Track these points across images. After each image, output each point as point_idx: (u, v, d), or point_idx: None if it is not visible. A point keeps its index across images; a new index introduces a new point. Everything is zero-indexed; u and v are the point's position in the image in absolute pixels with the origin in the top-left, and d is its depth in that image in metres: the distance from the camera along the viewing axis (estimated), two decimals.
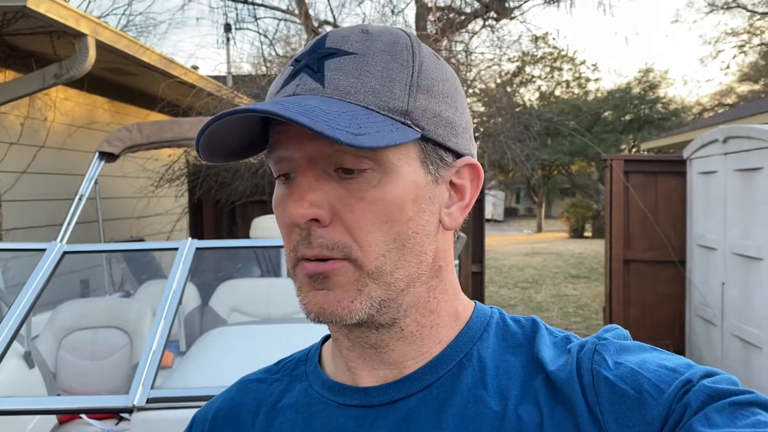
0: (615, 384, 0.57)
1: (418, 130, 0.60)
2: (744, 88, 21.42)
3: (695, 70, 60.54)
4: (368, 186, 0.58)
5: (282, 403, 0.69)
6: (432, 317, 0.65)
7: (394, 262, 0.60)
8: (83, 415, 2.84)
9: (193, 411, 0.78)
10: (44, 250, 2.52)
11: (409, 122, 0.60)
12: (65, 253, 2.50)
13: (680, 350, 6.03)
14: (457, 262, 6.97)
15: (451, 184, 0.65)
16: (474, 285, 7.06)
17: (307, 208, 0.57)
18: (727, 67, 28.66)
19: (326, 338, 0.75)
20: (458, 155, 0.65)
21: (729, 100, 21.32)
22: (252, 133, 0.63)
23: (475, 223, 6.99)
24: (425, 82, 0.62)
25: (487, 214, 27.00)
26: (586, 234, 22.09)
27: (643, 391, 0.56)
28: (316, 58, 0.60)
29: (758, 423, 0.51)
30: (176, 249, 2.52)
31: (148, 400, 1.93)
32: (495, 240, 20.06)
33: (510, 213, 36.58)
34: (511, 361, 0.64)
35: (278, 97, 0.61)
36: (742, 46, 20.98)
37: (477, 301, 0.71)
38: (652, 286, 6.28)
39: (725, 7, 20.28)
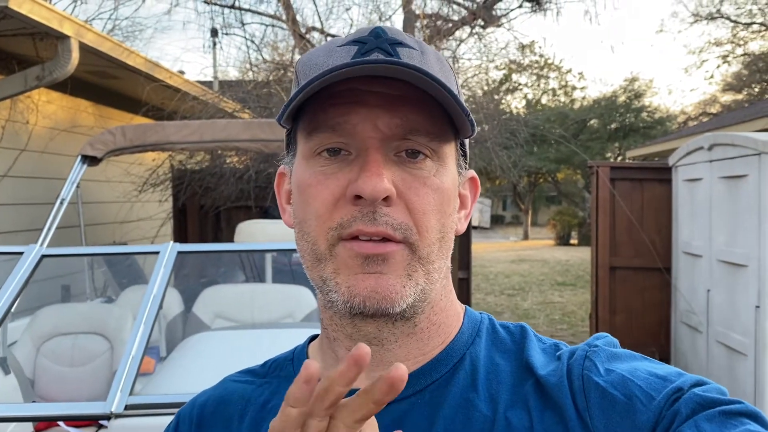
0: (605, 390, 0.57)
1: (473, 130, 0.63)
2: (728, 97, 21.62)
3: (680, 80, 61.21)
4: (428, 173, 0.60)
5: (272, 404, 0.68)
6: (442, 316, 0.66)
7: (437, 253, 0.61)
8: (61, 423, 2.77)
9: (172, 418, 0.75)
10: (22, 253, 2.47)
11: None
12: (43, 256, 2.45)
13: (666, 357, 6.05)
14: None
15: (459, 193, 0.67)
16: (461, 291, 7.04)
17: (387, 184, 0.57)
18: (711, 76, 28.88)
19: (311, 339, 0.74)
20: (465, 167, 0.68)
21: (713, 110, 21.52)
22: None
23: None
24: (461, 92, 0.66)
25: (474, 222, 27.07)
26: (572, 241, 22.20)
27: (634, 398, 0.56)
28: (387, 43, 0.61)
29: None
30: (157, 253, 2.47)
31: (126, 407, 1.88)
32: (481, 247, 20.09)
33: (496, 220, 36.70)
34: (501, 366, 0.64)
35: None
36: (726, 56, 21.20)
37: (467, 306, 0.72)
38: (638, 293, 6.29)
39: (709, 17, 20.50)
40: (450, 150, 0.63)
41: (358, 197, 0.57)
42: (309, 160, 0.61)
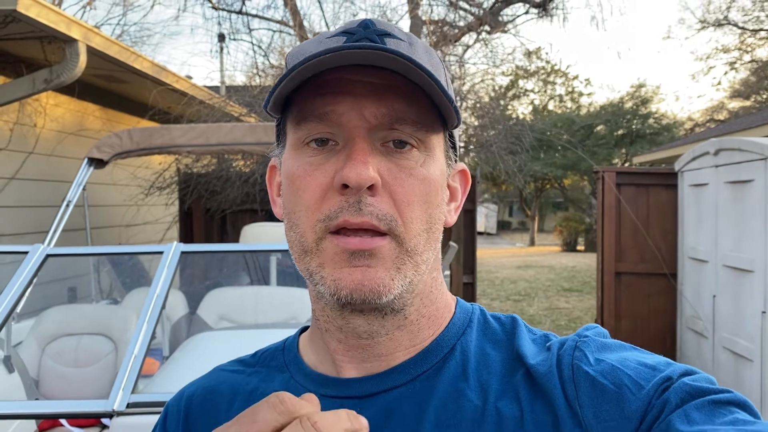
0: (595, 379, 0.57)
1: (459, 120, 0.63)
2: (735, 104, 21.53)
3: (687, 86, 60.93)
4: (415, 164, 0.60)
5: (260, 391, 0.69)
6: (432, 308, 0.66)
7: (424, 244, 0.61)
8: (64, 422, 2.79)
9: None
10: (27, 252, 2.48)
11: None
12: (48, 255, 2.46)
13: None
14: (448, 272, 6.96)
15: (448, 185, 0.67)
16: (465, 296, 7.03)
17: (373, 172, 0.57)
18: (719, 83, 28.84)
19: (303, 330, 0.74)
20: (455, 160, 0.68)
21: (720, 116, 21.44)
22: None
23: (467, 234, 6.98)
24: (451, 85, 0.65)
25: (480, 227, 27.05)
26: (579, 248, 22.11)
27: (623, 387, 0.56)
28: (375, 34, 0.61)
29: (736, 421, 0.52)
30: (161, 253, 2.48)
31: (128, 405, 1.88)
32: (488, 253, 20.05)
33: (503, 226, 36.59)
34: (492, 356, 0.64)
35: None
36: (734, 62, 21.13)
37: (458, 297, 0.72)
38: (644, 299, 6.26)
39: (716, 24, 20.45)
40: (438, 140, 0.63)
41: (345, 186, 0.57)
42: (297, 150, 0.62)
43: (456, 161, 0.68)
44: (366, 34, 0.61)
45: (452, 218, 0.67)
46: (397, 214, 0.58)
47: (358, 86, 0.59)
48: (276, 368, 0.70)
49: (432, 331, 0.65)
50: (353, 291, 0.57)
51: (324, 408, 0.63)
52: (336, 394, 0.64)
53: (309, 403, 0.46)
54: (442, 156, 0.64)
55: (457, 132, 0.68)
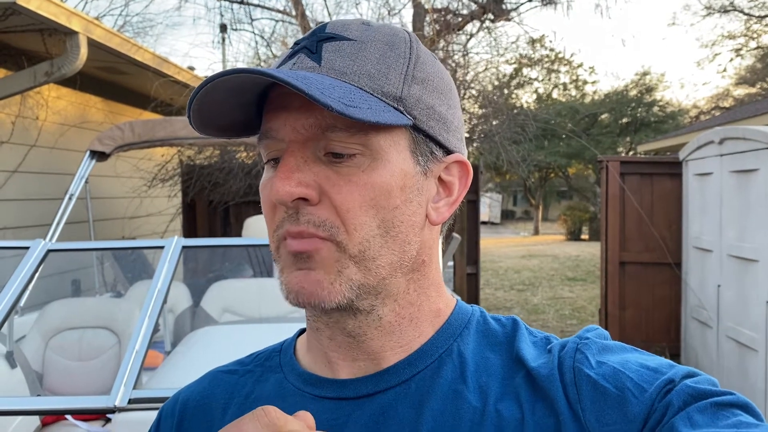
0: (597, 382, 0.57)
1: (410, 118, 0.60)
2: (741, 91, 21.41)
3: (692, 73, 60.49)
4: (357, 170, 0.58)
5: (255, 395, 0.68)
6: (411, 309, 0.64)
7: (378, 249, 0.59)
8: (69, 417, 2.79)
9: None
10: (28, 248, 2.48)
11: (401, 108, 0.60)
12: (49, 251, 2.46)
13: (676, 353, 6.01)
14: (451, 263, 6.96)
15: (440, 179, 0.65)
16: (469, 286, 7.03)
17: (294, 187, 0.57)
18: (724, 70, 28.69)
19: (302, 331, 0.74)
20: (448, 151, 0.65)
21: (726, 104, 21.32)
22: (246, 112, 0.63)
23: (470, 225, 6.97)
24: (420, 74, 0.62)
25: (484, 217, 27.03)
26: (583, 237, 22.12)
27: (625, 390, 0.56)
28: (315, 41, 0.61)
29: (739, 423, 0.51)
30: (162, 247, 2.48)
31: (130, 401, 1.88)
32: (491, 242, 20.05)
33: (507, 215, 36.58)
34: (491, 359, 0.63)
35: None
36: (739, 49, 20.98)
37: (459, 299, 0.71)
38: (648, 288, 6.25)
39: (722, 10, 20.29)
40: (388, 140, 0.60)
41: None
42: (266, 167, 0.63)
43: (443, 156, 0.64)
44: (306, 44, 0.61)
45: (441, 214, 0.65)
46: (339, 222, 0.58)
47: (294, 99, 0.58)
48: (270, 369, 0.70)
49: (417, 333, 0.64)
50: (297, 294, 0.59)
51: (319, 409, 0.62)
52: (331, 395, 0.64)
53: (302, 420, 0.45)
54: (403, 155, 0.60)
55: (456, 122, 0.66)
